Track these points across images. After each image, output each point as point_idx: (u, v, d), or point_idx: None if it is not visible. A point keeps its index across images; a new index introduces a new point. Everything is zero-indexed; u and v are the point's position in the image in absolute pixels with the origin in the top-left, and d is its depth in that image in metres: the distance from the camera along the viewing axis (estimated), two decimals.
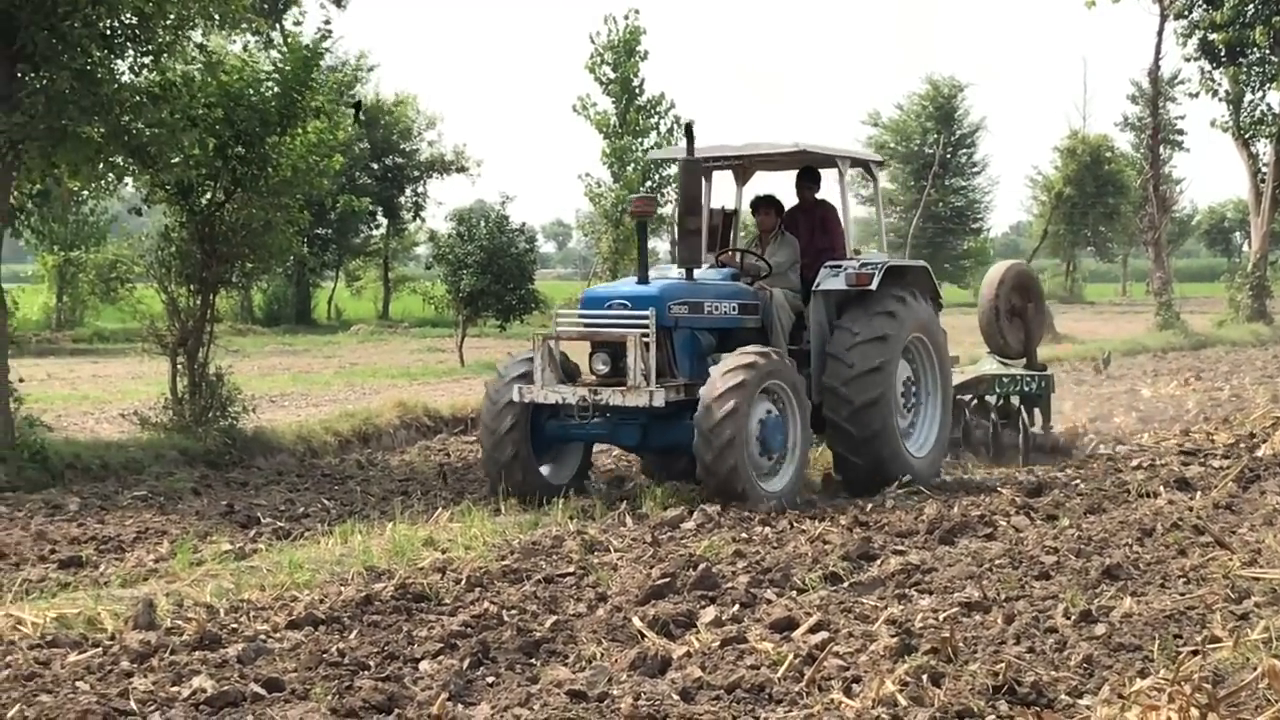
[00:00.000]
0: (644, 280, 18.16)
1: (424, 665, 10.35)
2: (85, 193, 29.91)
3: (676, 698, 9.38)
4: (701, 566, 13.09)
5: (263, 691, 9.66)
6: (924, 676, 9.77)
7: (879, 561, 14.04)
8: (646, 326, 17.40)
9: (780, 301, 19.25)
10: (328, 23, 28.72)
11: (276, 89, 24.52)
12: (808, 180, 20.54)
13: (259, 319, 64.90)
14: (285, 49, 30.28)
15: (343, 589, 12.89)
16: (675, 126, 51.94)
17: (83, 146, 22.03)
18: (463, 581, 13.20)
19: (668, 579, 12.59)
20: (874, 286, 18.79)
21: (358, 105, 43.22)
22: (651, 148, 52.13)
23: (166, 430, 22.68)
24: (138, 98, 22.39)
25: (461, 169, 72.76)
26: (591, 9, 62.81)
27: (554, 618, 11.69)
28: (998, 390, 23.31)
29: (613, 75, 53.54)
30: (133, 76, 23.25)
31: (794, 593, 12.75)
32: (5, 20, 20.88)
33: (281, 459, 23.18)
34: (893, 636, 10.72)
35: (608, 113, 53.98)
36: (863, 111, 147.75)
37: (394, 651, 10.76)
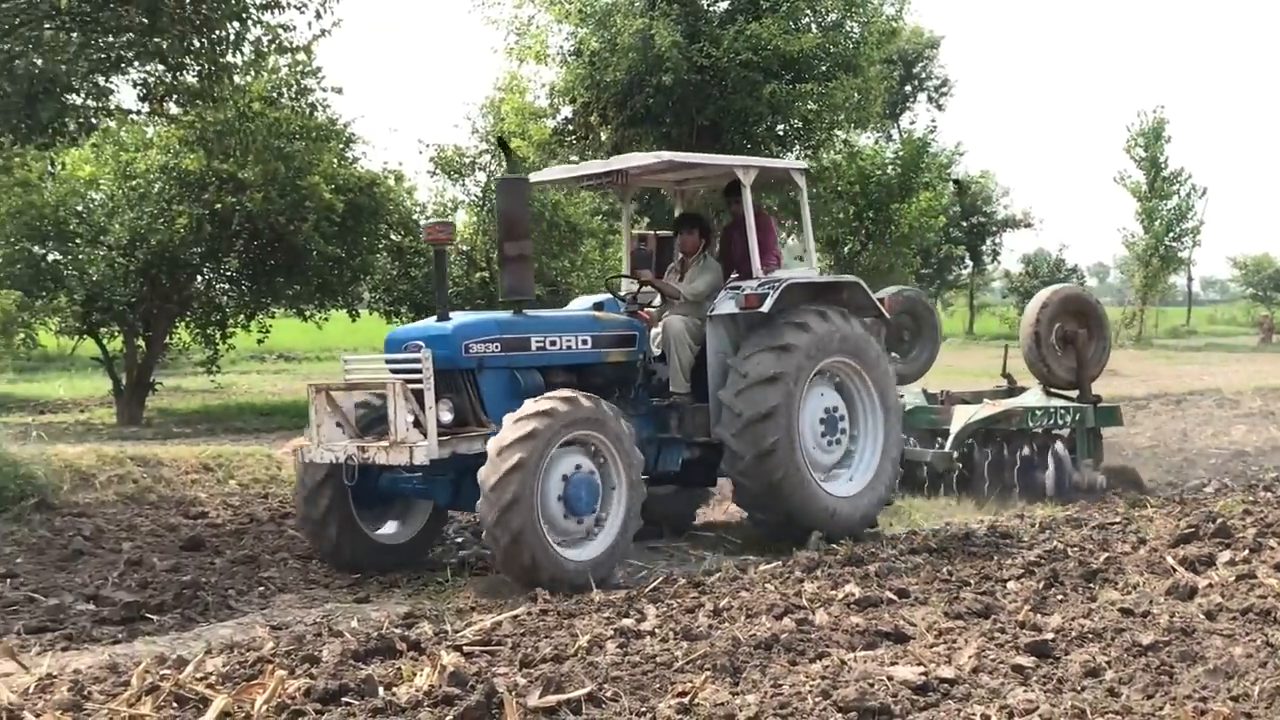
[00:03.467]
0: (444, 317, 11.45)
1: (1010, 585, 10.19)
2: None
3: (1202, 616, 8.95)
4: (1219, 520, 12.48)
5: (894, 597, 9.72)
6: None
7: None
8: (416, 371, 10.77)
9: (678, 330, 12.37)
10: (933, 121, 28.86)
11: (897, 170, 24.82)
12: (735, 194, 13.07)
13: None
14: (902, 141, 30.39)
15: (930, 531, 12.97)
16: (1192, 192, 53.78)
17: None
18: (1036, 525, 13.07)
19: (1192, 529, 12.05)
20: (766, 308, 12.03)
21: (959, 183, 44.02)
22: (1171, 210, 54.89)
23: None
24: None
25: (1028, 225, 71.82)
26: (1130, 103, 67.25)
27: (1105, 554, 11.36)
28: (1030, 424, 15.69)
29: (1143, 154, 56.53)
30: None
31: None
32: (714, 128, 21.66)
33: None
34: None
35: (1139, 182, 56.94)
36: None
37: (988, 573, 10.65)
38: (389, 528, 12.06)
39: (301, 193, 23.75)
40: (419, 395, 10.73)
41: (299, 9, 17.09)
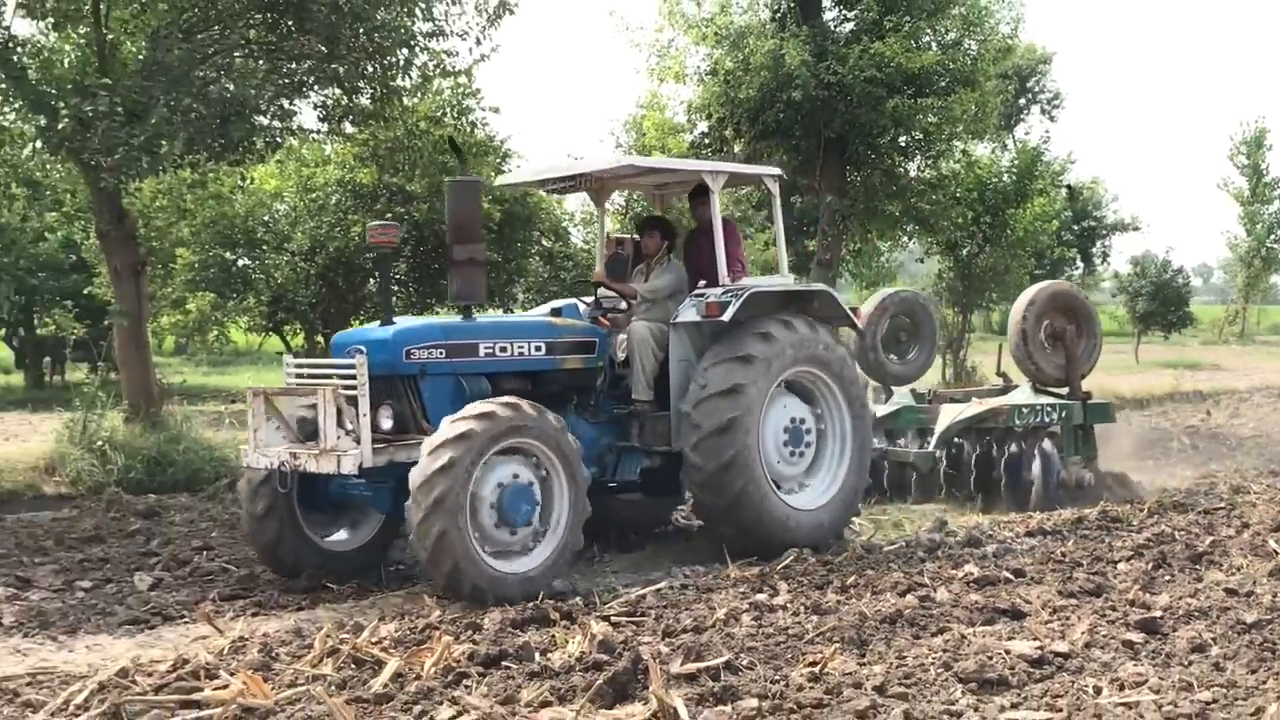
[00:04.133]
0: (388, 321, 10.32)
1: (1120, 565, 10.01)
2: (885, 248, 30.33)
3: None
4: None
5: (1011, 576, 9.60)
6: None
7: None
8: (349, 377, 9.58)
9: (642, 337, 10.95)
10: (1046, 132, 28.53)
11: (1012, 178, 24.46)
12: (699, 198, 11.81)
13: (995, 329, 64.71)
14: (1017, 150, 29.90)
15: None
16: None
17: (886, 219, 22.60)
18: (1144, 510, 12.80)
19: None
20: (726, 318, 10.66)
21: (1071, 189, 44.43)
22: (1272, 214, 53.89)
23: None
24: (922, 186, 22.76)
25: (1136, 228, 70.37)
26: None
27: (1210, 538, 11.11)
28: (1016, 422, 13.95)
29: (1245, 161, 55.59)
30: (918, 172, 23.55)
31: None
32: (840, 140, 21.51)
33: None
34: None
35: (1242, 188, 56.09)
36: None
37: (1099, 555, 10.47)
38: (340, 534, 10.74)
39: None
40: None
41: (461, 36, 17.36)
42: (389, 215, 23.67)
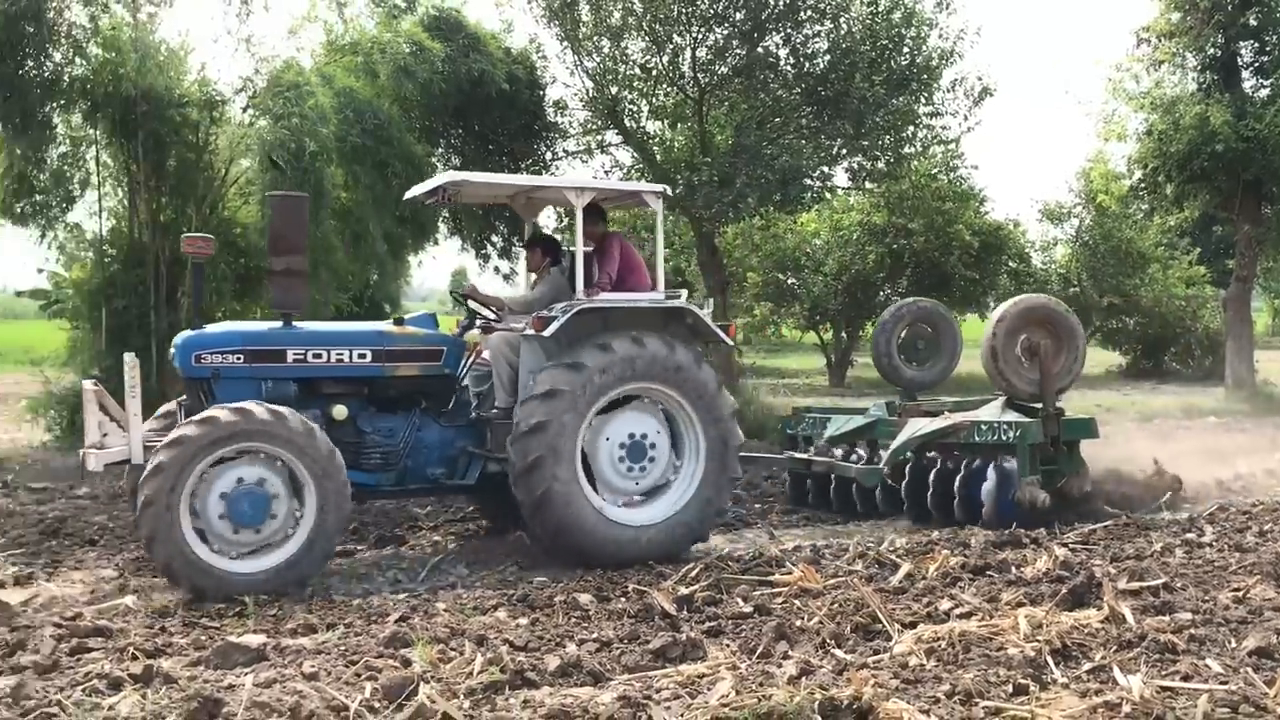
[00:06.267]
0: (197, 327, 7.92)
1: None
2: None
3: None
4: None
5: None
6: None
7: None
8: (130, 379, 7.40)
9: (498, 346, 8.46)
10: None
11: None
12: (590, 214, 8.66)
13: None
14: None
15: None
16: None
17: None
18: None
19: None
20: (548, 333, 8.04)
21: None
22: None
23: None
24: None
25: None
26: None
27: None
28: (976, 438, 9.61)
29: None
30: None
31: None
32: (1256, 182, 19.42)
33: None
34: None
35: None
36: None
37: None
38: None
39: (949, 236, 23.61)
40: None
41: (952, 115, 17.12)
42: (895, 246, 23.73)
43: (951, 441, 9.72)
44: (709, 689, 4.88)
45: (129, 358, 7.51)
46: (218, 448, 6.89)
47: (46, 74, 12.82)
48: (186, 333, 7.87)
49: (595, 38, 16.28)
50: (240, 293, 13.96)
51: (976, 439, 9.55)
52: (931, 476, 9.56)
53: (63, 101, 13.12)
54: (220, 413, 6.98)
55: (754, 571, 7.26)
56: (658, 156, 17.27)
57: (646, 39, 16.26)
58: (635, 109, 17.30)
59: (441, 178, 8.34)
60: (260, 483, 7.01)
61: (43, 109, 12.86)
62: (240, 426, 6.93)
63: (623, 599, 6.68)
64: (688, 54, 16.35)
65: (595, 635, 5.77)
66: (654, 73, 16.70)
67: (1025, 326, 9.93)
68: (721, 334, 8.56)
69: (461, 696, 4.77)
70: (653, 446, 8.23)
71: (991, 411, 9.88)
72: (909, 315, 11.90)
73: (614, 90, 16.78)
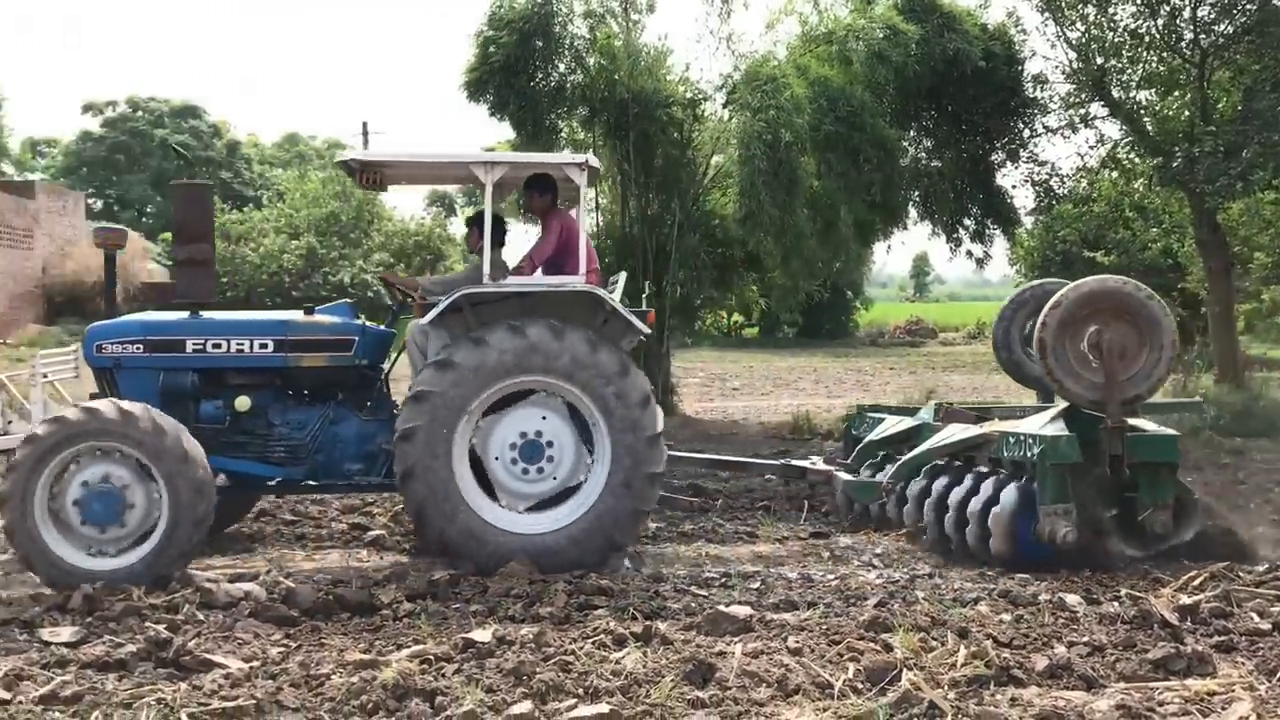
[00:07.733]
0: (109, 315, 7.62)
1: None
2: None
3: None
4: None
5: None
6: None
7: None
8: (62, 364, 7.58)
9: (411, 334, 7.66)
10: None
11: None
12: (530, 189, 7.82)
13: None
14: None
15: None
16: None
17: None
18: None
19: None
20: (425, 321, 7.29)
21: None
22: None
23: None
24: None
25: None
26: None
27: None
28: (1004, 453, 7.33)
29: None
30: None
31: None
32: None
33: None
34: None
35: None
36: None
37: None
38: None
39: None
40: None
41: None
42: None
43: (980, 455, 7.90)
44: (1223, 709, 4.50)
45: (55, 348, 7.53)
46: (64, 448, 6.74)
47: (552, 84, 14.30)
48: (96, 323, 7.73)
49: (1080, 5, 15.74)
50: (719, 280, 14.72)
51: (1004, 453, 7.66)
52: (932, 499, 7.91)
53: (566, 108, 14.57)
54: (69, 412, 6.90)
55: (1271, 585, 6.60)
56: (1149, 128, 16.06)
57: (1138, 2, 15.34)
58: (1124, 79, 16.17)
59: (344, 154, 7.86)
60: (105, 479, 6.76)
61: (549, 116, 14.37)
62: (87, 426, 6.75)
63: (1115, 603, 6.30)
64: (1185, 14, 15.38)
65: (1086, 639, 5.51)
66: (1146, 38, 15.74)
67: (1092, 315, 7.57)
68: (637, 320, 7.38)
69: (945, 687, 4.75)
70: (550, 445, 7.27)
71: (1037, 422, 7.81)
72: (1033, 301, 9.35)
73: (1100, 60, 15.95)
